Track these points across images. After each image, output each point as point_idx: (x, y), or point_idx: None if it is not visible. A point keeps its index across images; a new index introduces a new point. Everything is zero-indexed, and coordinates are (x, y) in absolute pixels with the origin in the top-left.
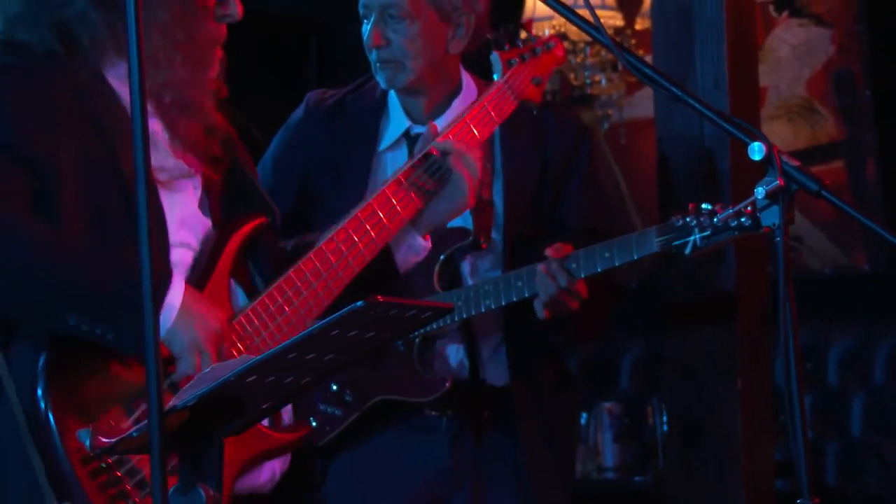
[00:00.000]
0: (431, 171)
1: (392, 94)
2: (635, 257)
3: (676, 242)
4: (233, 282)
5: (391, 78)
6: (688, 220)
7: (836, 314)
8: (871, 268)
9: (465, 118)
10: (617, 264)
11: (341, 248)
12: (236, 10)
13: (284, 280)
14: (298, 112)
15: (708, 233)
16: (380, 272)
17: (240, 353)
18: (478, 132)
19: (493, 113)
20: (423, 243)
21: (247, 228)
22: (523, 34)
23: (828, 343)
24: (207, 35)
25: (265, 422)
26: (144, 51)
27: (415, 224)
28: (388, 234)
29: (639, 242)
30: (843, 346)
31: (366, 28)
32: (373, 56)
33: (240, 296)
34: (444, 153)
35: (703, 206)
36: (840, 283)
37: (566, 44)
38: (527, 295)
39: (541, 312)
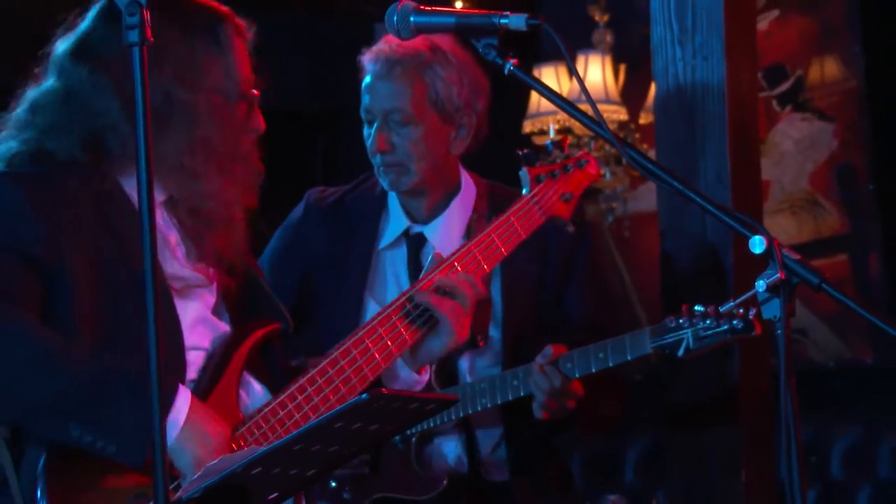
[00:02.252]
0: (420, 310)
1: (392, 193)
2: (629, 358)
3: (669, 343)
4: (252, 378)
5: (395, 181)
6: (681, 321)
7: (841, 407)
8: (876, 361)
9: (491, 230)
10: (611, 365)
11: (344, 367)
12: (261, 125)
13: (297, 387)
14: (298, 210)
15: (701, 335)
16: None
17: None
18: (503, 247)
19: (519, 229)
20: (417, 378)
21: (260, 332)
22: (556, 151)
23: (832, 436)
24: (241, 147)
25: None
26: (181, 162)
27: (408, 360)
28: (387, 362)
29: (632, 344)
30: (848, 440)
31: (368, 132)
32: (376, 160)
33: (259, 390)
34: (440, 288)
35: (697, 307)
36: (844, 376)
37: (570, 138)
38: (522, 394)
39: (539, 414)
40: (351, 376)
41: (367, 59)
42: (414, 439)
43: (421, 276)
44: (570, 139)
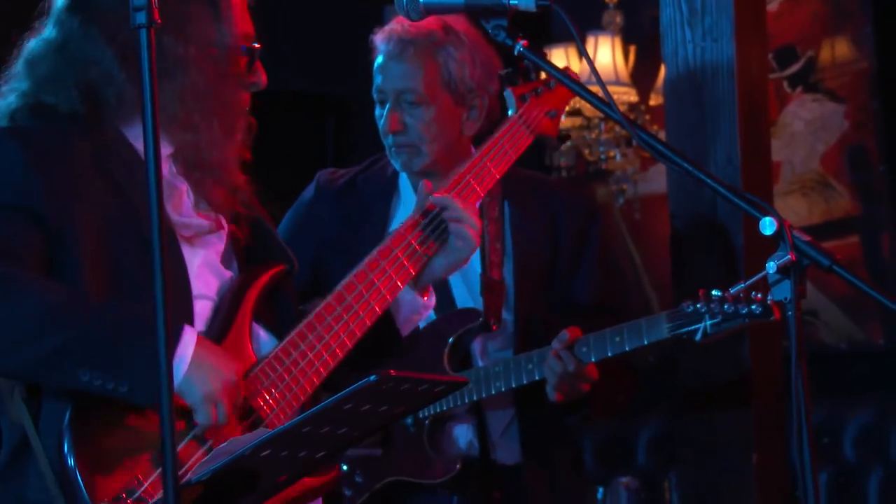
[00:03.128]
0: (428, 229)
1: (403, 174)
2: (645, 343)
3: (686, 329)
4: (258, 326)
5: (407, 162)
6: (698, 306)
7: (853, 389)
8: (888, 343)
9: (480, 155)
10: (627, 349)
11: (354, 301)
12: (262, 78)
13: (301, 330)
14: (309, 191)
15: (718, 320)
16: (383, 337)
17: (265, 401)
18: (495, 169)
19: (508, 148)
20: (423, 302)
21: (266, 276)
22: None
23: (844, 418)
24: (238, 101)
25: None
26: (179, 114)
27: (412, 282)
28: (393, 291)
29: (649, 328)
30: (860, 422)
31: (380, 113)
32: (388, 141)
33: (265, 337)
34: (440, 207)
35: (714, 292)
36: (856, 358)
37: (580, 120)
38: (537, 378)
39: (552, 395)
40: (358, 311)
41: (380, 39)
42: (427, 422)
43: (414, 208)
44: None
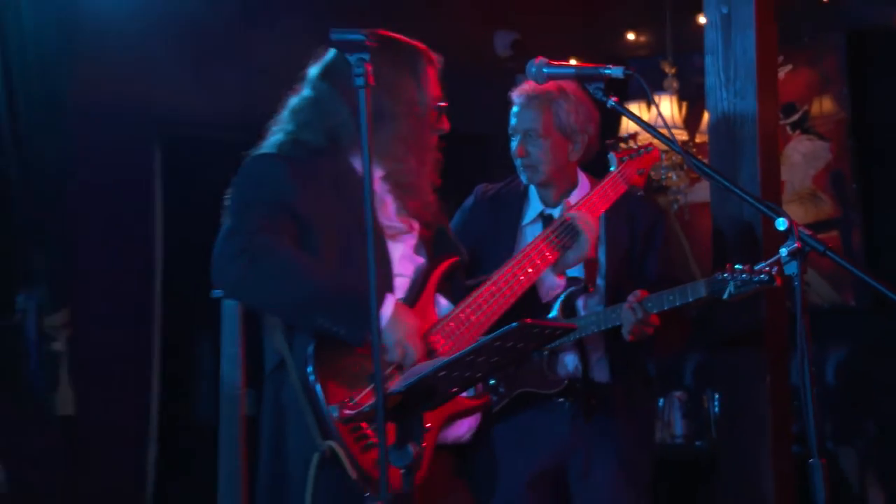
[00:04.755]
0: (565, 232)
1: (532, 187)
2: (690, 300)
3: (717, 290)
4: (441, 297)
5: (530, 177)
6: (725, 275)
7: (832, 336)
8: (857, 304)
9: (591, 196)
10: (678, 304)
11: (508, 279)
12: (446, 126)
13: (471, 300)
14: (469, 200)
15: (739, 284)
16: (530, 302)
17: (442, 347)
18: (599, 204)
19: (610, 192)
20: (558, 281)
21: (445, 264)
22: (631, 142)
23: (825, 355)
24: (430, 142)
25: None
26: (389, 150)
27: (551, 268)
28: (536, 274)
29: (693, 290)
30: (836, 358)
31: (513, 143)
32: (518, 162)
33: (445, 304)
34: (574, 220)
35: (737, 266)
36: (834, 314)
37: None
38: (618, 324)
39: (626, 336)
40: (514, 286)
41: (515, 94)
42: (546, 353)
43: (556, 217)
44: (637, 136)
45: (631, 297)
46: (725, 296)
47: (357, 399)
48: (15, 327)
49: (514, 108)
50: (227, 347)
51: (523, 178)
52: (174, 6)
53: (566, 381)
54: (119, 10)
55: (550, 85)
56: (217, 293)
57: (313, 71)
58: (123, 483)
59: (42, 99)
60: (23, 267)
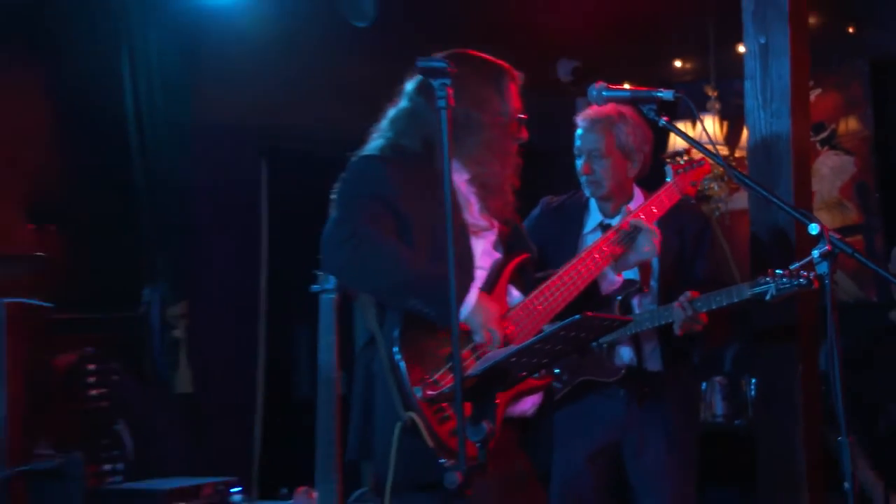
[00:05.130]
0: (626, 236)
1: (592, 200)
2: (735, 301)
3: (760, 291)
4: (513, 288)
5: (594, 192)
6: (768, 279)
7: (855, 328)
8: (879, 299)
9: (649, 203)
10: (724, 304)
11: (565, 281)
12: (525, 135)
13: (538, 291)
14: (536, 211)
15: (781, 287)
16: (591, 295)
17: (511, 332)
18: (656, 210)
19: (665, 200)
20: (617, 279)
21: (518, 259)
22: (686, 156)
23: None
24: (511, 149)
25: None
26: (475, 155)
27: (612, 267)
28: (597, 270)
29: (738, 292)
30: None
31: (578, 162)
32: (583, 179)
33: (516, 294)
34: (634, 226)
35: (777, 271)
36: (858, 308)
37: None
38: (670, 321)
39: (677, 331)
40: (577, 280)
41: (580, 118)
42: (605, 345)
43: (618, 222)
44: (690, 151)
45: (682, 298)
46: (768, 297)
47: (436, 377)
48: (141, 317)
49: (579, 131)
50: (324, 336)
51: (587, 193)
52: (278, 38)
53: (623, 371)
54: (232, 41)
55: (610, 109)
56: (315, 288)
57: (409, 86)
58: (233, 452)
59: (165, 118)
60: (148, 265)
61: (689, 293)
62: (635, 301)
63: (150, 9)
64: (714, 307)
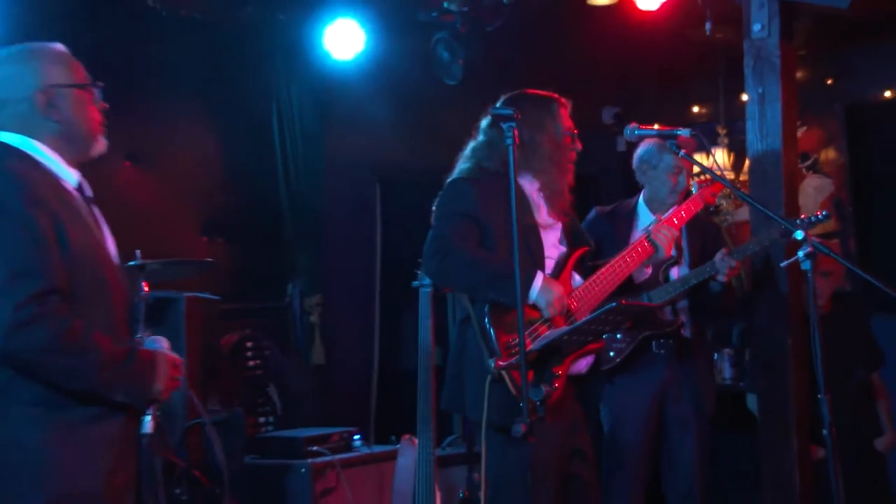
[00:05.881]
0: (650, 241)
1: (641, 204)
2: (766, 244)
3: (787, 232)
4: (575, 274)
5: (677, 199)
6: (795, 220)
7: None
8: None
9: (679, 208)
10: (757, 249)
11: (615, 268)
12: (579, 147)
13: (593, 277)
14: (592, 214)
15: (807, 224)
16: (628, 284)
17: (574, 308)
18: (685, 215)
19: (692, 207)
20: (647, 272)
21: (580, 250)
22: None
23: None
24: (568, 158)
25: None
26: (540, 168)
27: (646, 261)
28: (635, 264)
29: (767, 235)
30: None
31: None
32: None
33: (578, 279)
34: (652, 234)
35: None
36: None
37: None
38: (712, 273)
39: (722, 278)
40: (619, 271)
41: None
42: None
43: (648, 225)
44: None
45: (719, 254)
46: (798, 234)
47: (512, 342)
48: (286, 307)
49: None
50: (423, 320)
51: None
52: (388, 92)
53: (674, 321)
54: (353, 96)
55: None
56: (415, 283)
57: (484, 123)
58: (355, 408)
59: (304, 155)
60: (291, 267)
61: (724, 250)
62: (672, 272)
63: (292, 73)
64: (748, 254)
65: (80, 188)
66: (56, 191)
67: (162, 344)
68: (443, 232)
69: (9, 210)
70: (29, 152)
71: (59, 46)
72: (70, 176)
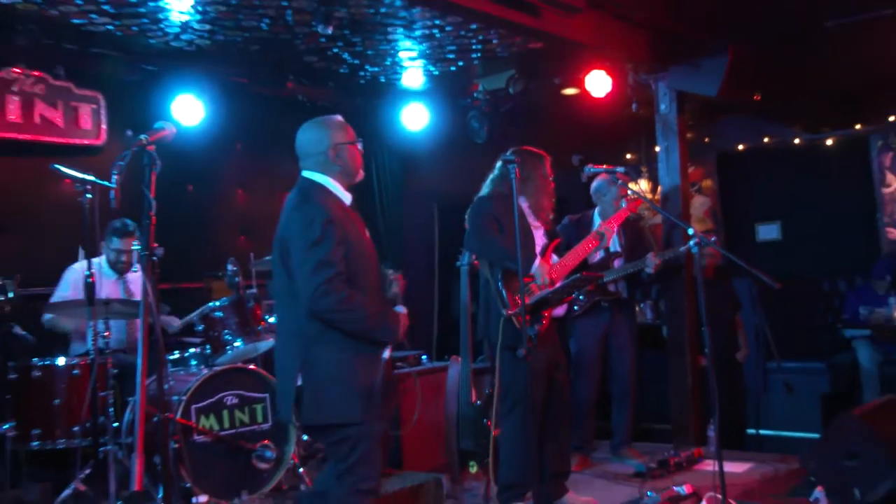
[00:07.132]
0: (599, 235)
1: (596, 215)
2: (680, 251)
3: (686, 248)
4: (553, 255)
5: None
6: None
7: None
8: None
9: (616, 216)
10: (673, 256)
11: (578, 252)
12: (552, 185)
13: (565, 257)
14: (565, 221)
15: (699, 244)
16: (586, 264)
17: (554, 277)
18: (618, 219)
19: (623, 214)
20: (597, 256)
21: (555, 242)
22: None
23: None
24: (549, 190)
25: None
26: (532, 194)
27: (596, 249)
28: (590, 249)
29: (679, 250)
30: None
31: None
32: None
33: (555, 259)
34: (598, 229)
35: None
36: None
37: (640, 202)
38: (642, 267)
39: (650, 270)
40: (580, 254)
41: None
42: (600, 282)
43: (597, 227)
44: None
45: (649, 255)
46: (690, 230)
47: (517, 299)
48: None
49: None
50: (463, 286)
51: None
52: (441, 147)
53: (615, 294)
54: (421, 151)
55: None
56: (458, 263)
57: (498, 164)
58: (422, 339)
59: (391, 189)
60: (381, 255)
61: (651, 254)
62: (617, 262)
63: (383, 140)
64: (667, 257)
65: (351, 204)
66: (341, 208)
67: (402, 309)
68: (480, 225)
69: (319, 226)
70: (326, 185)
71: (339, 117)
72: (346, 197)
